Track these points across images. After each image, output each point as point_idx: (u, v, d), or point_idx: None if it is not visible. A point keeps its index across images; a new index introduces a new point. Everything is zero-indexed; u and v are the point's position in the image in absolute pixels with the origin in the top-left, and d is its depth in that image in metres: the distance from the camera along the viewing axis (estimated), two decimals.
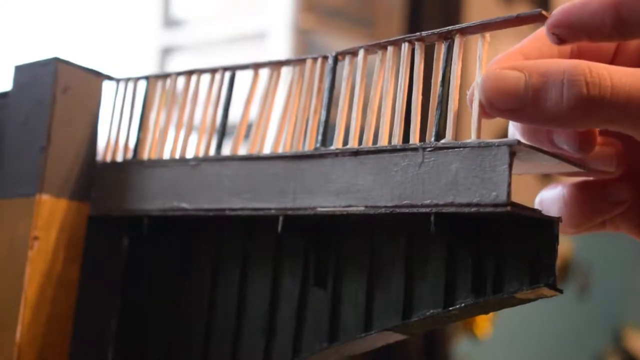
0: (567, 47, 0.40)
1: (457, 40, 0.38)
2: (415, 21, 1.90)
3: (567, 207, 0.42)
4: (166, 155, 0.48)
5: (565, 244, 2.32)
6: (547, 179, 2.10)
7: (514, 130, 0.41)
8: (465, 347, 2.04)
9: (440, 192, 0.36)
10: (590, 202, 0.41)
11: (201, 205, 0.45)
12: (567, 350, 2.48)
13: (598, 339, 2.60)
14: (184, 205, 0.45)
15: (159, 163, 0.47)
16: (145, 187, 0.47)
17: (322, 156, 0.41)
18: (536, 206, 0.43)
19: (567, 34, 0.36)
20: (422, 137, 0.38)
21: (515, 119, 0.37)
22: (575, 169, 0.38)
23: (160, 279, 0.50)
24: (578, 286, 2.50)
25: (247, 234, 0.46)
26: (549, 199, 0.43)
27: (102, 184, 0.49)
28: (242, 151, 0.45)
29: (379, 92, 0.40)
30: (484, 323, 1.96)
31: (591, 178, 0.42)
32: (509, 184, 0.34)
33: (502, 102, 0.36)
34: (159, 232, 0.49)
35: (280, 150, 0.44)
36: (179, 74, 0.48)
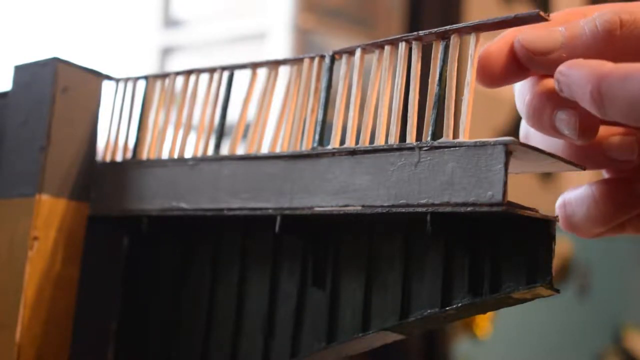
0: None
1: (454, 40, 0.38)
2: (415, 21, 1.90)
3: (598, 204, 0.41)
4: (165, 155, 0.48)
5: (565, 244, 2.32)
6: (546, 178, 2.10)
7: (521, 97, 0.40)
8: (465, 347, 2.04)
9: (436, 192, 0.36)
10: (621, 197, 0.41)
11: (200, 205, 0.45)
12: (567, 350, 2.48)
13: (598, 339, 2.60)
14: (183, 205, 0.45)
15: (158, 163, 0.47)
16: (145, 187, 0.47)
17: (319, 156, 0.41)
18: (557, 209, 0.43)
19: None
20: (419, 136, 0.38)
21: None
22: (572, 169, 0.38)
23: (160, 278, 0.50)
24: (578, 286, 2.49)
25: (245, 234, 0.46)
26: (575, 199, 0.42)
27: (102, 183, 0.49)
28: (240, 151, 0.45)
29: (376, 91, 0.40)
30: (484, 323, 1.96)
31: (608, 176, 0.43)
32: (505, 183, 0.34)
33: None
34: (159, 232, 0.49)
35: (277, 150, 0.44)
36: (177, 73, 0.48)
